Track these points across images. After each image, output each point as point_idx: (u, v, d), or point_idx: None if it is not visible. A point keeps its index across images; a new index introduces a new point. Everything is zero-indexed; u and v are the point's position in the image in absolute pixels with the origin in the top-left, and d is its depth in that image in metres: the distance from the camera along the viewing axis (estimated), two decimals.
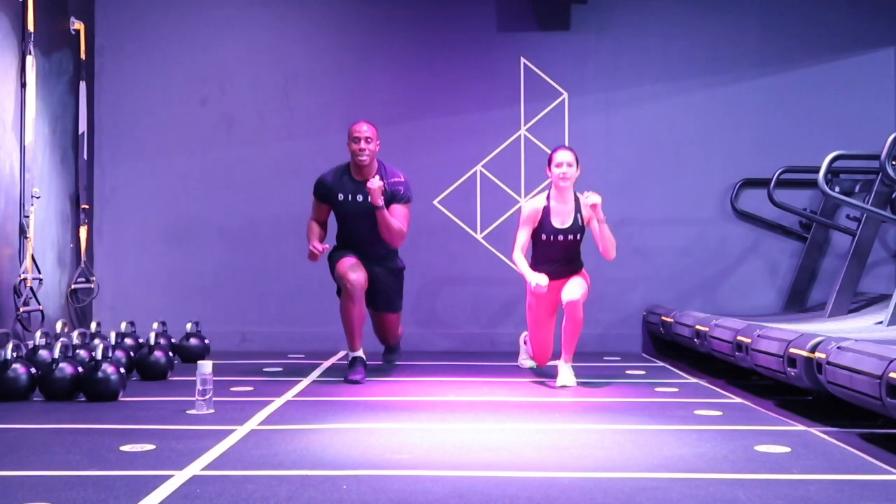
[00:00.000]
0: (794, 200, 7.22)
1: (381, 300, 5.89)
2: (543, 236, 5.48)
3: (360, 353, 5.63)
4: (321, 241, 5.72)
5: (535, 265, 5.52)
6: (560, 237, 5.48)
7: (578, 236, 5.51)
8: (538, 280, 5.30)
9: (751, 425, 4.27)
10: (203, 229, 7.44)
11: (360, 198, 5.64)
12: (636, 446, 3.79)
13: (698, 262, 7.41)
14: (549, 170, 5.48)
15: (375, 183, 5.45)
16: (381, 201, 5.49)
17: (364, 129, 5.62)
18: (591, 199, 5.37)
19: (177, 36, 7.48)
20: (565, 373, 5.42)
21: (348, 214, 5.71)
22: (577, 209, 5.50)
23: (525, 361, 6.21)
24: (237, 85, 7.50)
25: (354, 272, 5.57)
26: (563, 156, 5.43)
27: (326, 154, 7.23)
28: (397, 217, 5.64)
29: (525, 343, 6.15)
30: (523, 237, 5.49)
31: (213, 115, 7.48)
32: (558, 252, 5.51)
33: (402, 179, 5.71)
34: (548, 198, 5.52)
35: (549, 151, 7.26)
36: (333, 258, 5.73)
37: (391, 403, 4.79)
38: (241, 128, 7.49)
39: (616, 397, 5.08)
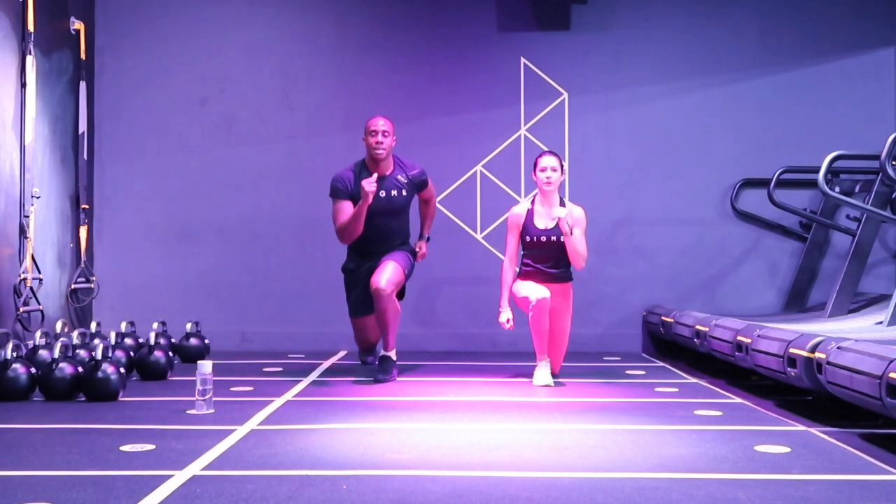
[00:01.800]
0: (794, 200, 7.22)
1: (389, 253, 5.73)
2: (528, 238, 5.62)
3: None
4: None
5: (525, 267, 5.68)
6: (543, 238, 5.58)
7: (561, 238, 5.55)
8: (503, 319, 5.64)
9: (751, 425, 4.27)
10: (203, 229, 7.44)
11: (382, 194, 5.64)
12: (636, 446, 3.79)
13: (698, 262, 7.41)
14: (535, 174, 5.63)
15: (424, 249, 5.98)
16: (425, 249, 6.01)
17: (381, 124, 5.65)
18: (556, 211, 5.48)
19: (177, 36, 7.48)
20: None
21: (370, 212, 5.61)
22: None
23: (539, 379, 5.69)
24: (237, 85, 7.49)
25: (369, 339, 5.95)
26: (547, 161, 5.59)
27: (326, 154, 7.25)
28: (430, 194, 5.97)
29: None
30: (510, 244, 5.72)
31: (213, 115, 7.47)
32: (544, 254, 5.61)
33: (420, 169, 5.85)
34: (532, 202, 5.67)
35: None
36: (354, 299, 5.85)
37: (391, 403, 4.79)
38: (241, 128, 7.49)
39: (616, 397, 5.08)
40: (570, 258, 5.55)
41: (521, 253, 5.72)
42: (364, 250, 5.78)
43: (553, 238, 5.57)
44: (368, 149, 5.67)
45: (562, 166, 5.60)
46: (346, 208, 5.61)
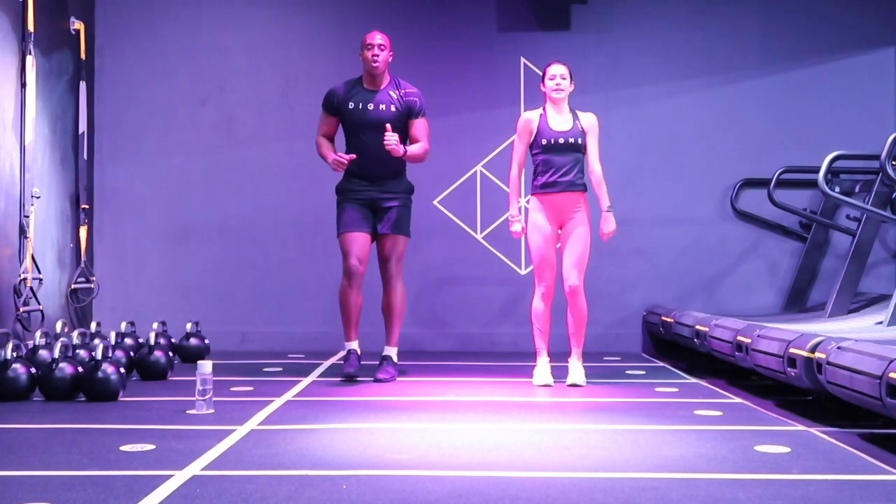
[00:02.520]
0: (794, 200, 7.22)
1: (389, 221, 5.61)
2: (544, 140, 5.47)
3: (354, 344, 5.61)
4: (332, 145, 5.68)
5: (540, 174, 5.50)
6: (562, 140, 5.46)
7: (580, 140, 5.47)
8: (517, 228, 5.53)
9: (751, 425, 4.27)
10: (203, 229, 7.44)
11: (370, 106, 5.57)
12: (636, 446, 3.79)
13: (698, 262, 7.41)
14: (543, 85, 5.54)
15: (393, 138, 5.42)
16: (401, 150, 5.47)
17: (378, 37, 5.57)
18: (605, 227, 5.51)
19: (177, 36, 7.48)
20: (576, 371, 5.47)
21: (358, 125, 5.58)
22: (576, 118, 5.53)
23: (538, 379, 5.63)
24: (237, 85, 7.49)
25: (354, 258, 5.54)
26: (556, 69, 5.50)
27: None
28: (419, 131, 5.64)
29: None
30: (519, 149, 5.58)
31: (213, 115, 7.47)
32: (560, 158, 5.47)
33: (416, 91, 5.68)
34: (544, 109, 5.55)
35: None
36: (342, 217, 5.61)
37: (391, 403, 4.79)
38: (241, 128, 7.49)
39: (616, 397, 5.08)
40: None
41: (535, 163, 5.54)
42: (358, 172, 5.62)
43: (571, 140, 5.45)
44: (364, 62, 5.59)
45: (571, 76, 5.51)
46: (328, 122, 5.68)
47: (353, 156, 5.53)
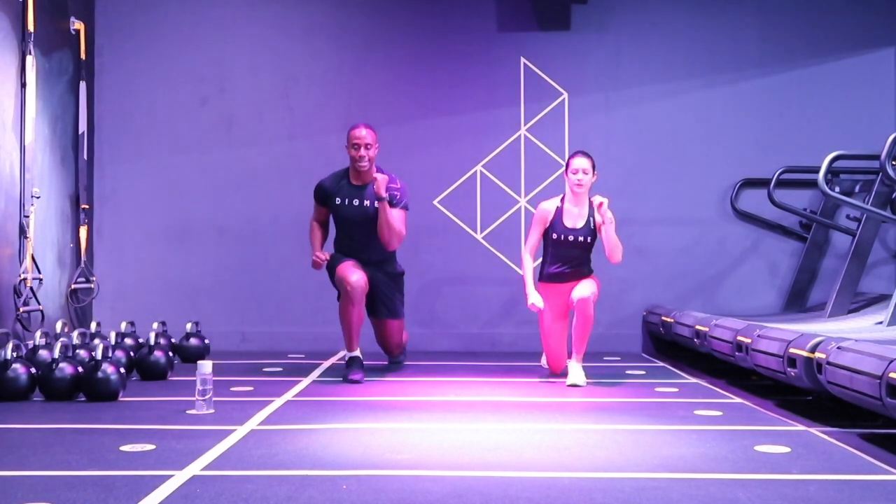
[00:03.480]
0: (794, 200, 7.22)
1: (382, 305, 5.88)
2: (554, 235, 5.61)
3: (357, 352, 5.64)
4: (322, 244, 5.84)
5: (548, 265, 5.67)
6: (570, 237, 5.58)
7: (589, 239, 5.60)
8: (534, 300, 5.56)
9: (751, 425, 4.27)
10: (203, 229, 7.44)
11: (356, 202, 5.69)
12: (636, 446, 3.79)
13: (698, 262, 7.41)
14: (566, 174, 5.63)
15: (381, 177, 5.56)
16: (385, 193, 5.55)
17: (363, 135, 5.63)
18: (597, 199, 5.52)
19: (177, 36, 7.48)
20: (575, 372, 5.47)
21: (346, 219, 5.73)
22: (591, 213, 5.62)
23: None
24: (237, 85, 7.49)
25: (354, 275, 5.57)
26: (580, 163, 5.57)
27: (326, 154, 7.23)
28: (398, 217, 5.70)
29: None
30: (533, 237, 5.69)
31: (213, 115, 7.47)
32: (569, 253, 5.61)
33: (400, 186, 5.73)
34: (562, 200, 5.67)
35: (549, 152, 7.34)
36: (333, 263, 5.72)
37: (391, 403, 4.79)
38: (241, 128, 7.48)
39: (616, 397, 5.08)
40: (608, 250, 5.54)
41: (545, 251, 5.69)
42: (348, 254, 5.78)
43: (580, 238, 5.57)
44: (351, 160, 5.69)
45: (593, 168, 5.59)
46: (320, 213, 5.85)
47: (328, 256, 5.71)
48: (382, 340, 6.03)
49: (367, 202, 5.68)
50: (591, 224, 5.59)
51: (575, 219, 5.59)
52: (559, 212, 5.60)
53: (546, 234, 5.64)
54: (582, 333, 5.51)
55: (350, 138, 5.65)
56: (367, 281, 5.64)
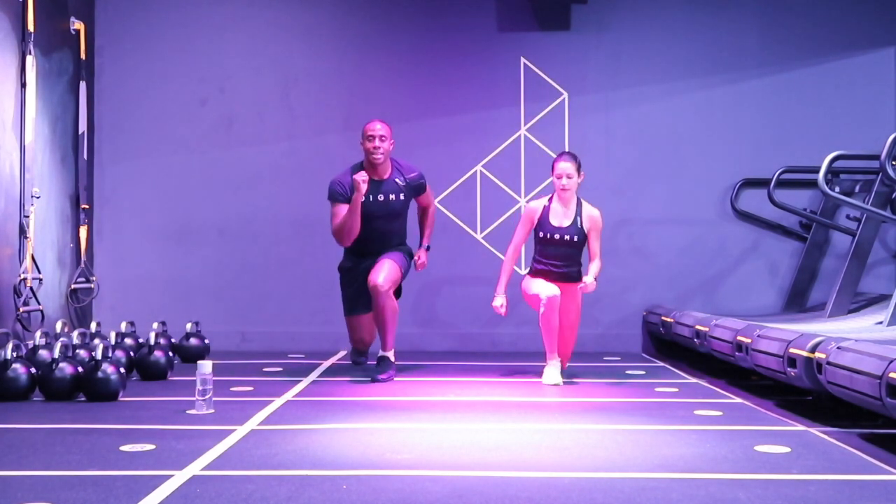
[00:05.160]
0: (794, 200, 7.22)
1: (386, 253, 5.71)
2: (542, 233, 5.64)
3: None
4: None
5: (537, 265, 5.71)
6: (557, 236, 5.60)
7: (577, 238, 5.62)
8: (499, 303, 5.66)
9: (751, 425, 4.27)
10: (203, 229, 7.44)
11: (380, 198, 5.68)
12: (636, 446, 3.79)
13: (698, 262, 7.41)
14: (553, 175, 5.65)
15: (423, 259, 5.92)
16: (426, 255, 5.96)
17: (378, 128, 5.64)
18: (582, 285, 5.46)
19: (177, 36, 7.48)
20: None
21: (368, 216, 5.65)
22: (578, 213, 5.64)
23: (548, 378, 5.63)
24: (237, 85, 7.49)
25: (362, 339, 5.90)
26: (564, 167, 5.59)
27: (326, 154, 7.24)
28: (426, 198, 5.93)
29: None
30: (519, 235, 5.77)
31: (213, 115, 7.47)
32: (557, 251, 5.64)
33: (418, 172, 5.84)
34: (550, 199, 5.70)
35: (549, 151, 7.32)
36: (348, 297, 5.84)
37: (391, 403, 4.79)
38: (241, 128, 7.48)
39: (616, 397, 5.08)
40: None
41: (535, 248, 5.74)
42: (362, 251, 5.77)
43: (567, 237, 5.60)
44: (366, 153, 5.68)
45: (578, 170, 5.60)
46: (341, 212, 5.60)
47: (366, 178, 5.49)
48: (374, 275, 5.55)
49: (392, 196, 5.70)
50: (579, 223, 5.62)
51: (561, 218, 5.62)
52: (546, 211, 5.64)
53: (535, 233, 5.69)
54: (566, 349, 5.71)
55: (365, 131, 5.66)
56: (372, 340, 5.94)
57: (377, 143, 5.61)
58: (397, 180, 5.74)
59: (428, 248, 6.01)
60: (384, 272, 5.57)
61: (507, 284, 5.73)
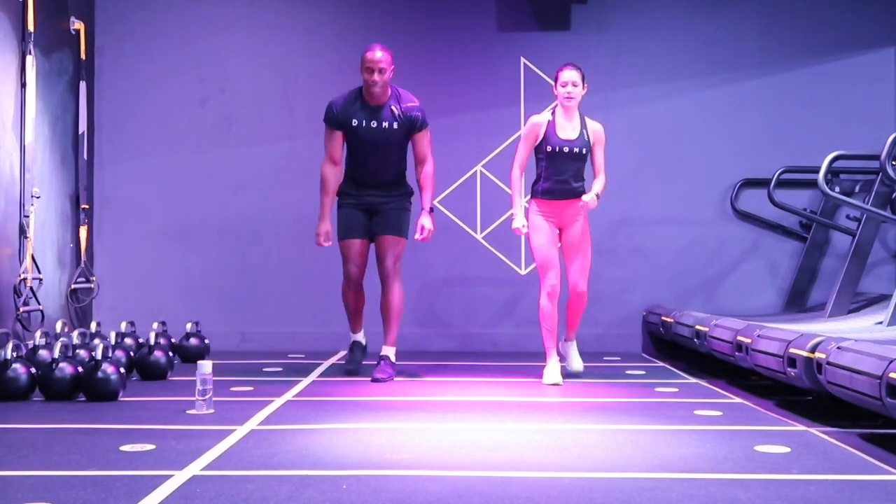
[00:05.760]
0: (794, 200, 7.22)
1: (385, 223, 5.65)
2: (549, 147, 5.50)
3: (359, 336, 5.70)
4: (332, 199, 5.71)
5: (542, 180, 5.57)
6: (566, 148, 5.48)
7: (584, 150, 5.52)
8: (519, 224, 5.50)
9: (751, 425, 4.27)
10: (203, 229, 7.44)
11: (373, 124, 5.56)
12: (636, 446, 3.79)
13: (698, 262, 7.41)
14: (555, 88, 5.56)
15: (427, 224, 5.63)
16: (430, 220, 5.67)
17: (378, 58, 5.47)
18: (584, 200, 5.48)
19: (177, 36, 7.48)
20: (575, 357, 5.70)
21: (362, 142, 5.58)
22: (584, 126, 5.55)
23: (549, 378, 5.61)
24: (237, 85, 7.49)
25: (355, 263, 5.65)
26: (568, 75, 5.50)
27: None
28: (422, 145, 5.68)
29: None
30: (522, 153, 5.61)
31: (213, 115, 7.47)
32: (564, 165, 5.51)
33: (417, 104, 5.66)
34: (553, 113, 5.58)
35: None
36: (342, 223, 5.68)
37: (391, 403, 4.79)
38: (241, 128, 7.48)
39: (616, 397, 5.08)
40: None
41: (538, 167, 5.60)
42: (361, 181, 5.68)
43: (575, 150, 5.48)
44: (364, 83, 5.55)
45: (583, 80, 5.51)
46: (334, 138, 5.63)
47: (330, 242, 5.67)
48: (380, 257, 5.67)
49: (385, 123, 5.57)
50: (585, 136, 5.52)
51: (568, 131, 5.50)
52: (552, 125, 5.50)
53: (539, 148, 5.53)
54: (576, 315, 5.67)
55: (364, 61, 5.50)
56: (364, 269, 5.70)
57: (376, 76, 5.47)
58: (393, 108, 5.59)
59: (431, 210, 5.70)
60: (391, 251, 5.61)
61: (521, 201, 5.62)
